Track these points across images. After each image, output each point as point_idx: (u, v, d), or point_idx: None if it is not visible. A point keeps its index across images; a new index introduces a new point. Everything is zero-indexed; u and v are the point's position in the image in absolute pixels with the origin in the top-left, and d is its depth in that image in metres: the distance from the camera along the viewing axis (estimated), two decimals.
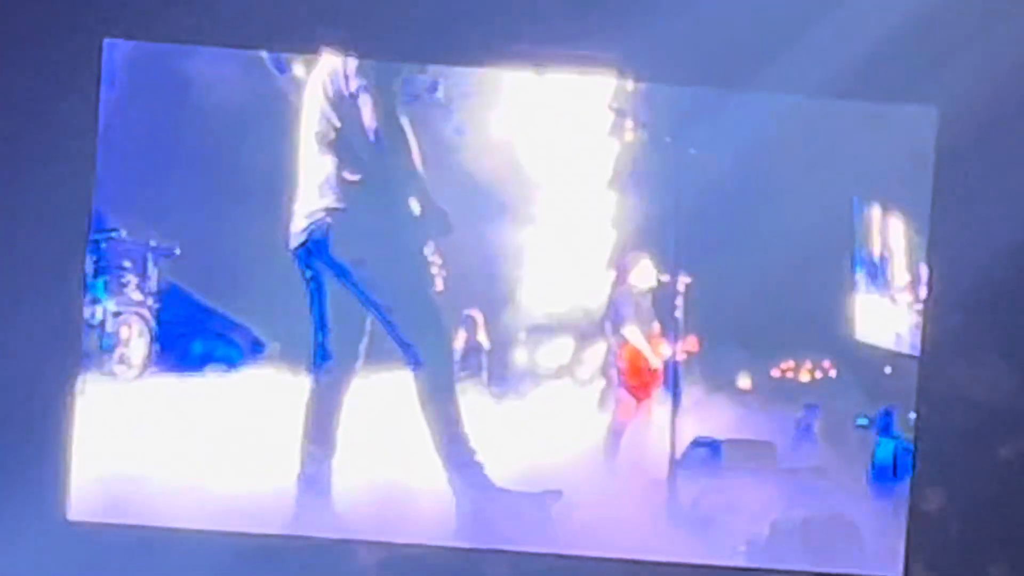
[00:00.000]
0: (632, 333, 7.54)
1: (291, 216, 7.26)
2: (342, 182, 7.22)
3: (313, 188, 7.25)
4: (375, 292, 7.23)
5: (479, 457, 7.19)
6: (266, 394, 7.23)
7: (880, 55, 6.52)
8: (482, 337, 7.57)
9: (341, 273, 7.23)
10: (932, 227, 6.81)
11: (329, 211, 7.22)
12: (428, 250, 7.29)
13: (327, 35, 6.92)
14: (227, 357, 7.33)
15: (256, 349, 7.37)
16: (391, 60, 7.09)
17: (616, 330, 7.58)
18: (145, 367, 7.31)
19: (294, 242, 7.26)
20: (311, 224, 7.24)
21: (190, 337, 7.35)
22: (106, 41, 6.86)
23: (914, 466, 6.77)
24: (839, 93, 6.74)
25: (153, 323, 7.31)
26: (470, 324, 7.56)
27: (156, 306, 7.34)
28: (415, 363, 7.24)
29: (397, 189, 7.24)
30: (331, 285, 7.25)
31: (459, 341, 7.49)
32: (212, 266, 7.33)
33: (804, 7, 6.51)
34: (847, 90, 6.69)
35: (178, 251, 7.29)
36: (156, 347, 7.31)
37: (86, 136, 6.84)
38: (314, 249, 7.24)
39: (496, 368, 7.54)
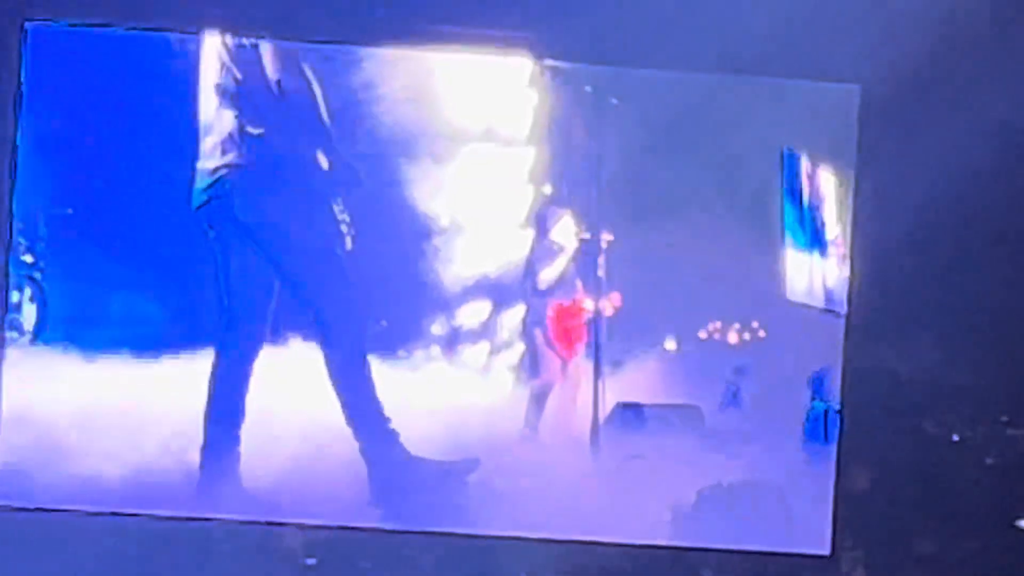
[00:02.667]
0: (550, 290, 7.24)
1: (193, 174, 6.89)
2: (245, 137, 6.84)
3: (215, 144, 6.88)
4: (281, 253, 6.89)
5: (393, 426, 6.88)
6: (169, 363, 6.88)
7: (804, 34, 6.51)
8: (407, 302, 7.22)
9: (245, 234, 6.87)
10: (854, 207, 6.77)
11: (232, 168, 6.86)
12: (337, 208, 6.94)
13: (238, 16, 6.74)
14: (129, 323, 6.95)
15: (161, 315, 6.99)
16: (303, 40, 6.82)
17: (536, 289, 7.25)
18: (37, 334, 6.89)
19: (196, 201, 6.89)
20: (213, 182, 6.87)
21: (87, 302, 6.95)
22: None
23: (840, 440, 6.67)
24: (766, 72, 6.74)
25: (45, 287, 6.90)
26: (395, 286, 7.19)
27: (49, 269, 6.92)
28: (323, 328, 6.91)
29: (303, 143, 6.88)
30: (236, 246, 6.89)
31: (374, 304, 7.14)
32: (110, 227, 6.93)
33: None
34: (774, 68, 6.71)
35: (71, 211, 6.90)
36: (48, 312, 6.89)
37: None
38: (217, 208, 6.87)
39: (412, 332, 7.18)
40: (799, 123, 7.00)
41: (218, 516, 6.70)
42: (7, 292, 6.84)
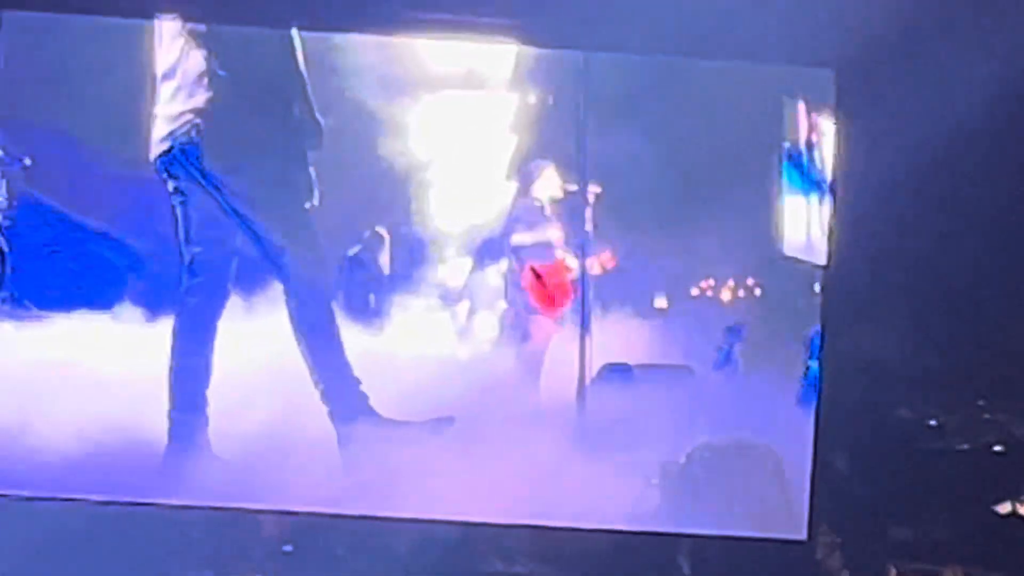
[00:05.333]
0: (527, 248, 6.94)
1: (151, 120, 6.55)
2: (214, 79, 6.52)
3: (177, 88, 6.53)
4: (246, 205, 6.55)
5: (363, 388, 6.59)
6: (132, 322, 6.61)
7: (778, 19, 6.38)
8: (384, 259, 6.93)
9: (211, 183, 6.53)
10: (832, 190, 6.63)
11: (198, 112, 6.52)
12: (308, 158, 6.62)
13: (218, 4, 6.50)
14: (100, 277, 6.70)
15: (135, 266, 6.72)
16: (289, 27, 6.53)
17: (518, 245, 6.95)
18: None
19: (156, 150, 6.54)
20: (177, 129, 6.53)
21: (52, 257, 6.69)
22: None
23: (817, 426, 6.48)
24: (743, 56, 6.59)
25: (4, 242, 6.63)
26: (374, 243, 6.92)
27: (7, 223, 6.65)
28: (288, 285, 6.59)
29: (276, 90, 6.57)
30: (197, 197, 6.55)
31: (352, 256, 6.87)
32: (72, 177, 6.66)
33: None
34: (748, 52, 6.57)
35: (29, 161, 6.63)
36: (8, 268, 6.62)
37: None
38: (181, 157, 6.52)
39: (387, 291, 6.89)
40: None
41: (189, 495, 6.37)
42: None
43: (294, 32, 6.54)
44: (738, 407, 6.67)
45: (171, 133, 6.53)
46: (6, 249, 6.62)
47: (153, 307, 6.63)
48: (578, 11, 6.41)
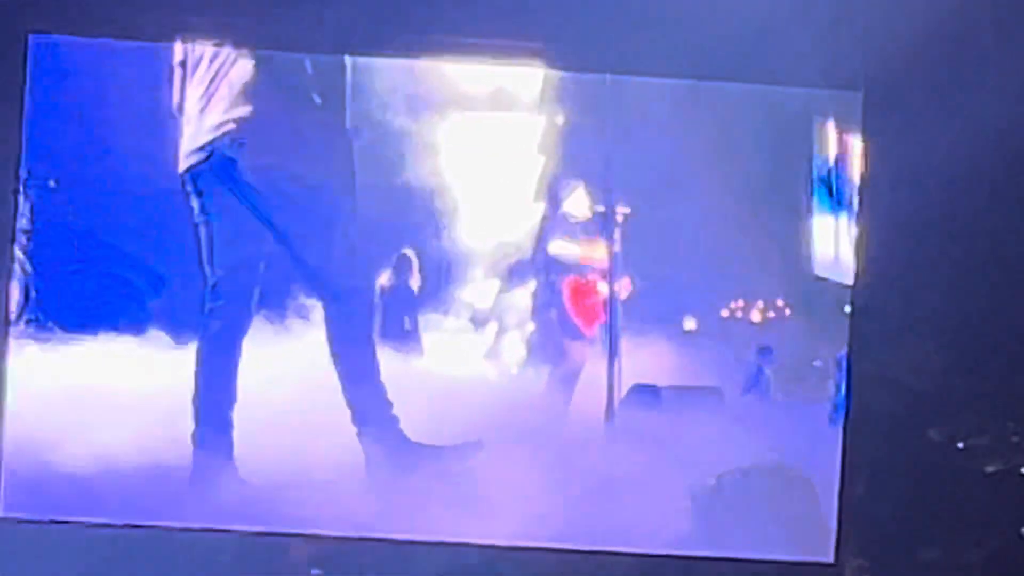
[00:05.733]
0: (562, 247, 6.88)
1: (180, 133, 6.52)
2: (254, 91, 6.44)
3: (217, 100, 6.48)
4: (286, 220, 6.50)
5: (396, 411, 6.53)
6: (157, 343, 6.55)
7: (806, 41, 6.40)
8: (414, 281, 6.87)
9: (248, 198, 6.48)
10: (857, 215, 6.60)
11: (238, 124, 6.46)
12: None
13: (245, 26, 6.43)
14: (123, 299, 6.64)
15: (158, 288, 6.66)
16: (311, 52, 6.50)
17: (548, 265, 6.89)
18: (20, 315, 6.56)
19: (187, 162, 6.49)
20: (216, 139, 6.47)
21: (76, 279, 6.63)
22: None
23: (844, 448, 6.48)
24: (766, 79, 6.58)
25: (28, 264, 6.57)
26: (403, 265, 6.86)
27: (31, 245, 6.58)
28: (326, 302, 6.56)
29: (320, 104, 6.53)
30: (226, 215, 6.50)
31: (385, 281, 6.80)
32: (96, 199, 6.59)
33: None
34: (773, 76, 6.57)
35: (53, 183, 6.56)
36: (32, 291, 6.57)
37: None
38: (217, 168, 6.47)
39: (414, 313, 6.83)
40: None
41: (215, 518, 6.35)
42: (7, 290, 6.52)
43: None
44: (769, 429, 6.61)
45: (209, 143, 6.48)
46: (30, 271, 6.58)
47: (177, 329, 6.57)
48: (605, 35, 6.40)
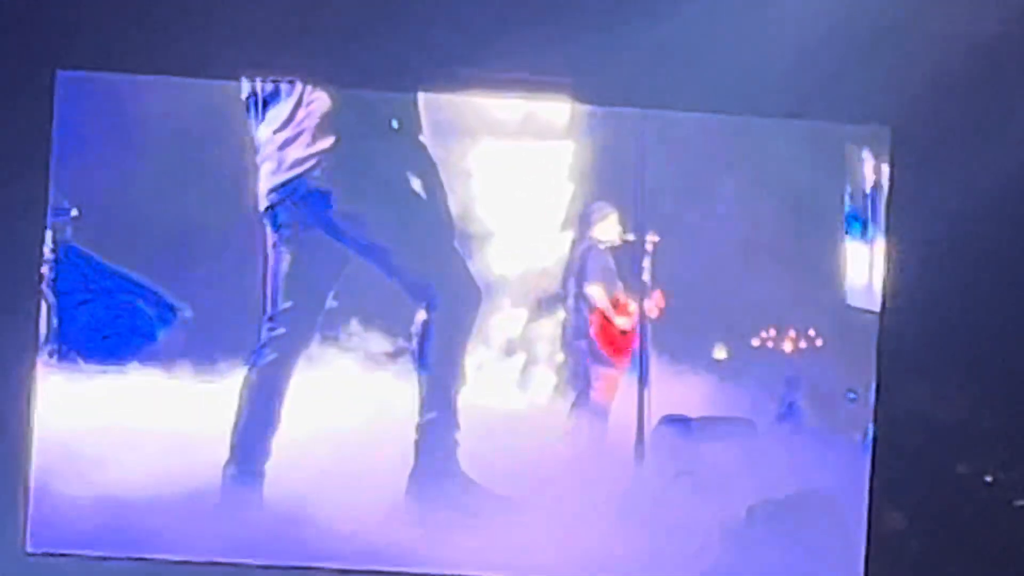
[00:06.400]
0: (597, 292, 6.81)
1: (254, 171, 6.50)
2: (335, 122, 6.43)
3: (297, 135, 6.47)
4: (388, 239, 6.47)
5: (459, 435, 6.51)
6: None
7: (834, 77, 6.30)
8: None
9: (337, 226, 6.46)
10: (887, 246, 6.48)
11: (323, 155, 6.45)
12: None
13: (271, 62, 6.34)
14: (144, 331, 6.60)
15: (166, 316, 6.62)
16: (344, 87, 6.46)
17: (581, 289, 6.83)
18: (46, 342, 6.47)
19: (269, 199, 6.48)
20: (303, 173, 6.45)
21: (97, 310, 6.58)
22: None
23: (872, 482, 6.40)
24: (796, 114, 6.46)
25: (50, 294, 6.49)
26: None
27: (53, 275, 6.51)
28: (433, 315, 6.51)
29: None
30: (306, 246, 6.49)
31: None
32: (119, 230, 6.56)
33: (756, 33, 6.16)
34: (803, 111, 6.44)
35: (76, 212, 6.50)
36: (55, 320, 6.49)
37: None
38: (306, 200, 6.45)
39: None
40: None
41: (244, 552, 6.22)
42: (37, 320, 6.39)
43: None
44: (801, 461, 6.55)
45: (296, 178, 6.47)
46: (52, 301, 6.50)
47: (198, 361, 6.53)
48: (633, 70, 6.29)
